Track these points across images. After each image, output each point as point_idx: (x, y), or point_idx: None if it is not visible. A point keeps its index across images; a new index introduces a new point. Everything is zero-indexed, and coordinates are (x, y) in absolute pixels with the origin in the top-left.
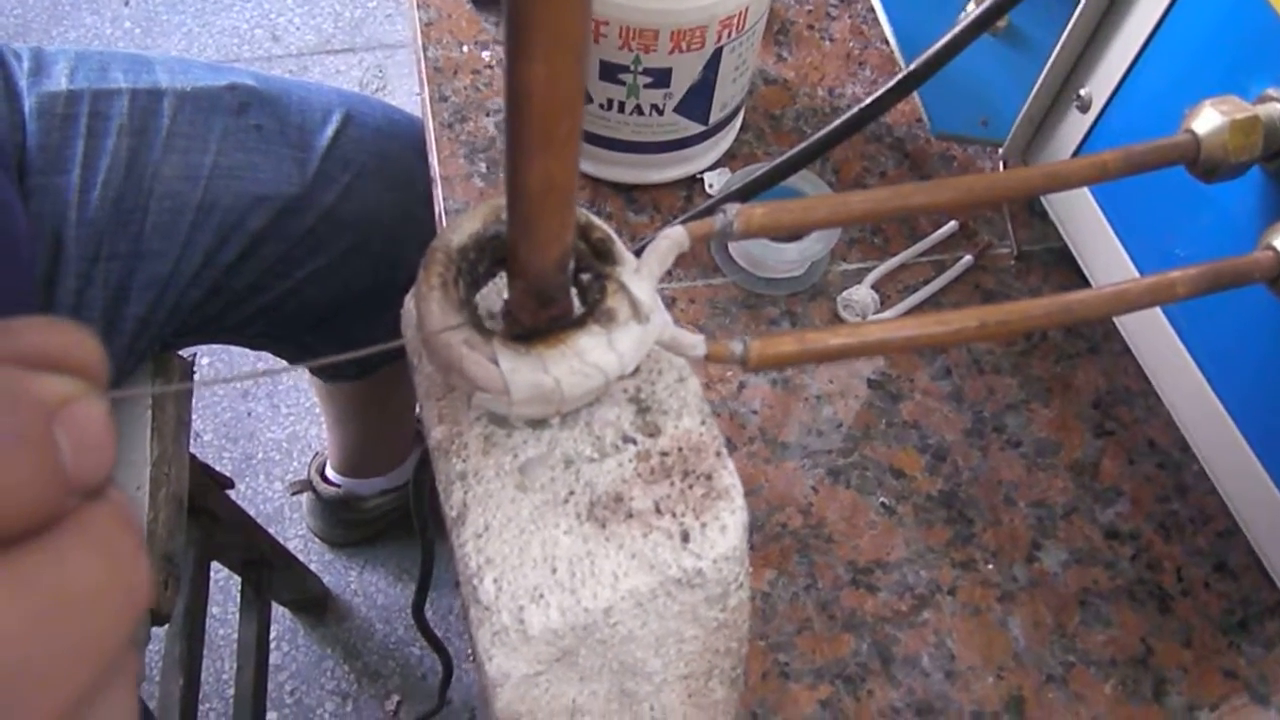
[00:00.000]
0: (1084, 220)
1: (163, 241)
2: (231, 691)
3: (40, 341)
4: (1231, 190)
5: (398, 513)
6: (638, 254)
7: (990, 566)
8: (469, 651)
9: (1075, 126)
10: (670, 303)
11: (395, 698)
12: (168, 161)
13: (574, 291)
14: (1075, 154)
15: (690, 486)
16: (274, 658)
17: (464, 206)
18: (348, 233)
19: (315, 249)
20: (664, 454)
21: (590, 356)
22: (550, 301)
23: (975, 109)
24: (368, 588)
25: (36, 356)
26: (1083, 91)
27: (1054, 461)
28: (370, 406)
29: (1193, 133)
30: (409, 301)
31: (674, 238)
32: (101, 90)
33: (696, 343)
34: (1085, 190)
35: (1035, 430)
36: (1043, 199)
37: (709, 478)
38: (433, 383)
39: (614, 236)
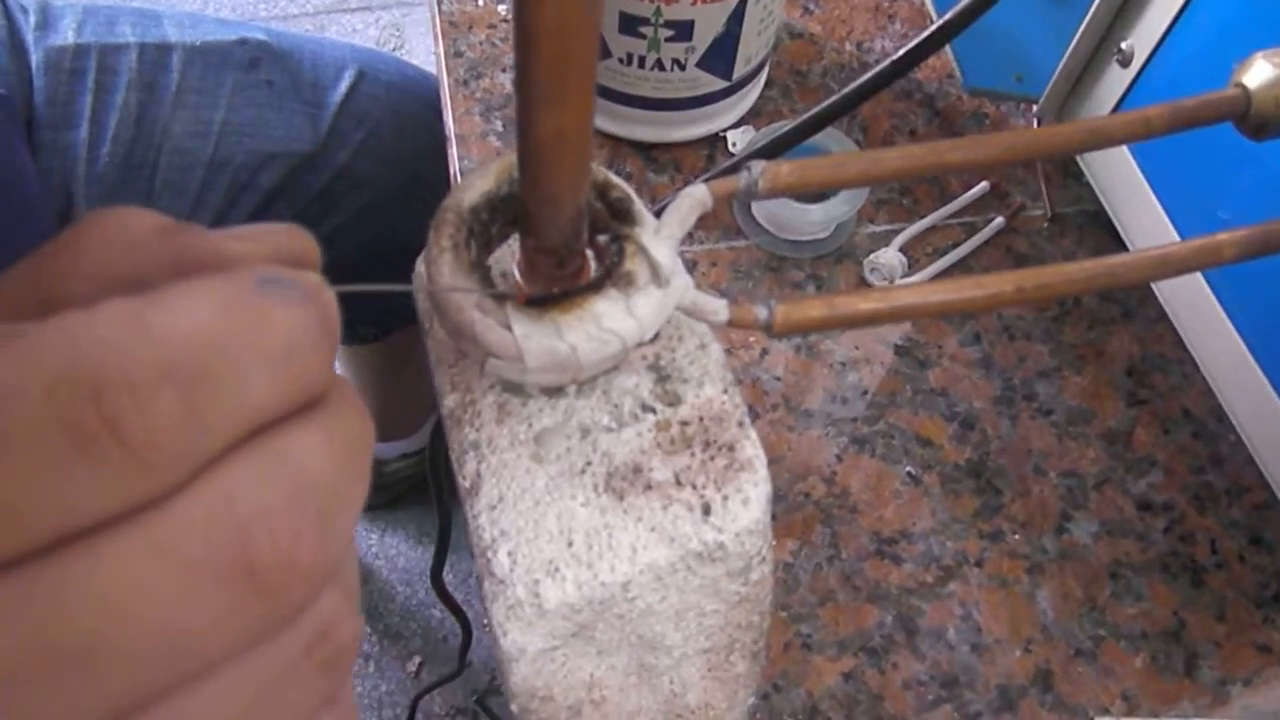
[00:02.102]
0: (1122, 181)
1: (174, 198)
2: None
3: (288, 243)
4: None
5: (418, 476)
6: (658, 215)
7: (1019, 537)
8: (486, 619)
9: (1115, 82)
10: (691, 266)
11: (417, 659)
12: (177, 118)
13: (591, 254)
14: (1114, 111)
15: (711, 458)
16: None
17: (479, 165)
18: (362, 191)
19: (329, 208)
20: (684, 424)
21: (607, 322)
22: (564, 263)
23: (1010, 64)
24: (389, 551)
25: (290, 257)
26: (1124, 45)
27: (1085, 430)
28: (389, 369)
29: (1243, 86)
30: (420, 264)
31: (696, 196)
32: (109, 45)
33: (719, 307)
34: (1124, 149)
35: (1067, 398)
36: (1079, 159)
37: (731, 449)
38: (445, 349)
39: (633, 196)
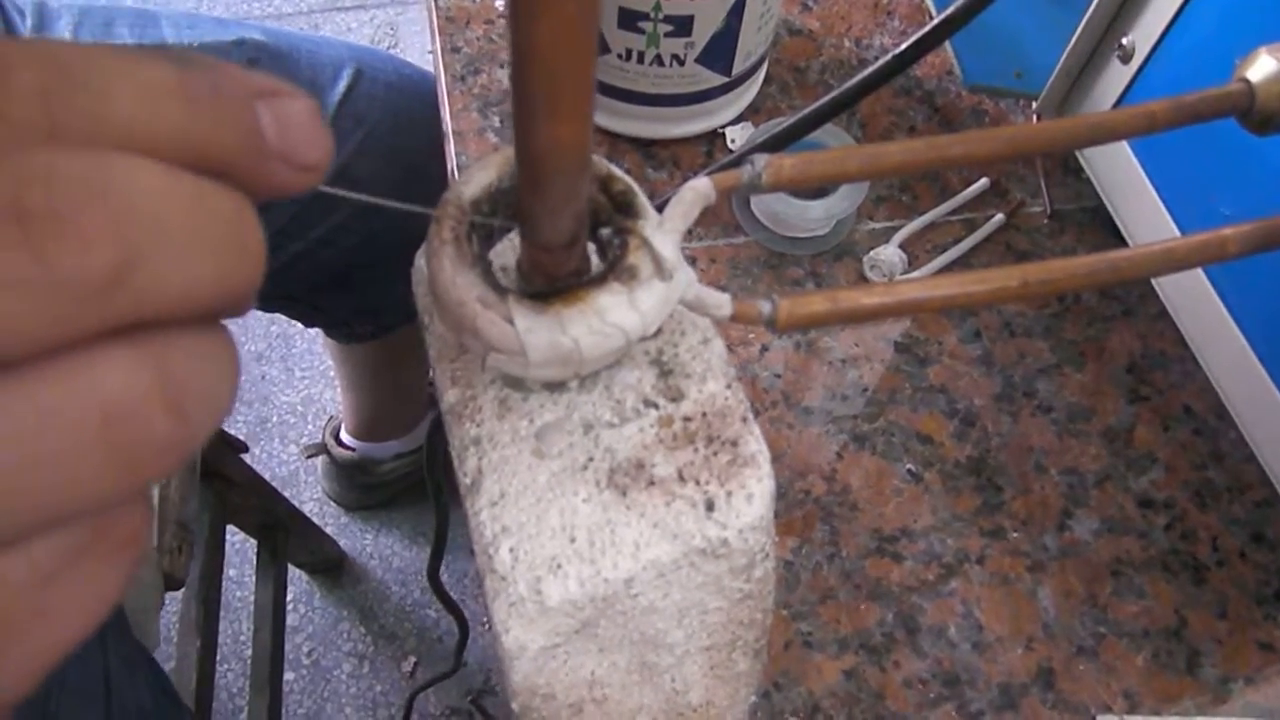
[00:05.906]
0: (1123, 177)
1: None
2: (249, 652)
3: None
4: None
5: (413, 476)
6: (659, 209)
7: (1019, 535)
8: (485, 616)
9: (1116, 78)
10: (690, 263)
11: (412, 659)
12: None
13: (593, 247)
14: (1115, 108)
15: (715, 453)
16: (291, 619)
17: (477, 160)
18: (361, 190)
19: (328, 208)
20: (687, 419)
21: (610, 316)
22: (566, 258)
23: (1010, 60)
24: (383, 550)
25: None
26: (1125, 40)
27: (1086, 428)
28: (384, 369)
29: (1247, 81)
30: (420, 258)
31: (699, 189)
32: None
33: (722, 302)
34: (1125, 145)
35: (1067, 395)
36: (1080, 155)
37: (734, 444)
38: (445, 344)
39: (636, 189)
